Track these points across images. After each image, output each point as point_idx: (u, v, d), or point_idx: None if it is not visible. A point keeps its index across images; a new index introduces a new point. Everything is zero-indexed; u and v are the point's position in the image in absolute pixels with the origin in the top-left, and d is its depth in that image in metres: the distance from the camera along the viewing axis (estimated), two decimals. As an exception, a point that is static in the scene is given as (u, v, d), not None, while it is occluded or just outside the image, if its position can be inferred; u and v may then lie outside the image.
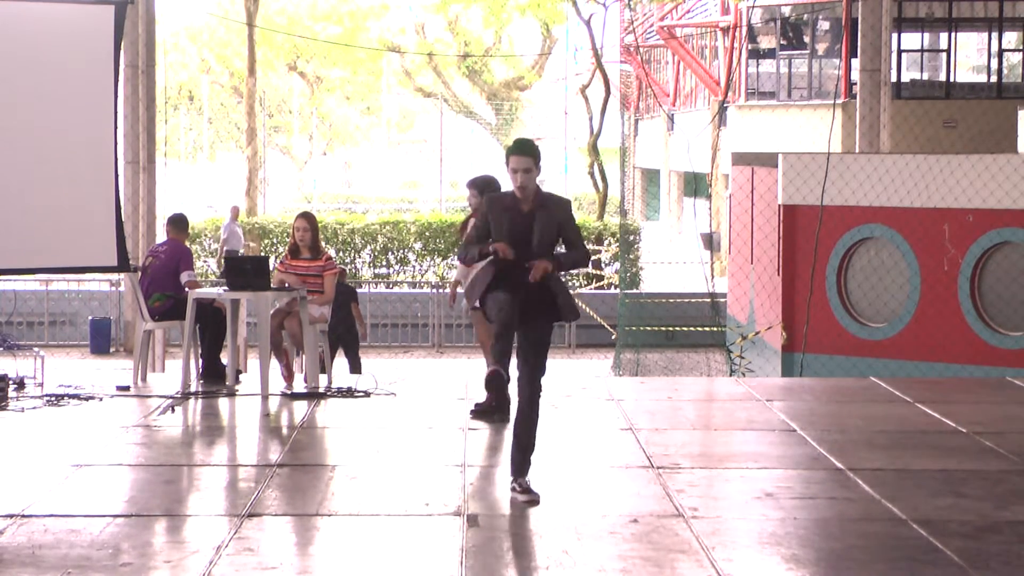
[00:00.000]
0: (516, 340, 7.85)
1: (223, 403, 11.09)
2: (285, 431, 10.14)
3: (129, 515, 7.47)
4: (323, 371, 12.01)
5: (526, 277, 7.72)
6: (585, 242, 8.16)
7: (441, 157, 44.35)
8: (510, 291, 7.74)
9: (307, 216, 12.38)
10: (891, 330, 16.23)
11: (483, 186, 10.44)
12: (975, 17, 30.29)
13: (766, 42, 33.75)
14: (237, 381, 11.61)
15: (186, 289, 12.04)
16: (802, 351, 16.38)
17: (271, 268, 12.04)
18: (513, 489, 7.83)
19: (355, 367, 16.95)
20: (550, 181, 58.94)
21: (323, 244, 14.27)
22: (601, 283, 29.21)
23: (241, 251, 29.03)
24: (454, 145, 55.27)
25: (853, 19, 26.08)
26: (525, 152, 7.79)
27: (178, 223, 12.71)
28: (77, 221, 11.87)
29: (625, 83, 44.80)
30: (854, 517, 7.56)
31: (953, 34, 29.38)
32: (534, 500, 7.72)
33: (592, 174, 35.42)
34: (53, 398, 11.08)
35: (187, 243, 12.85)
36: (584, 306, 23.14)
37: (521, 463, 7.88)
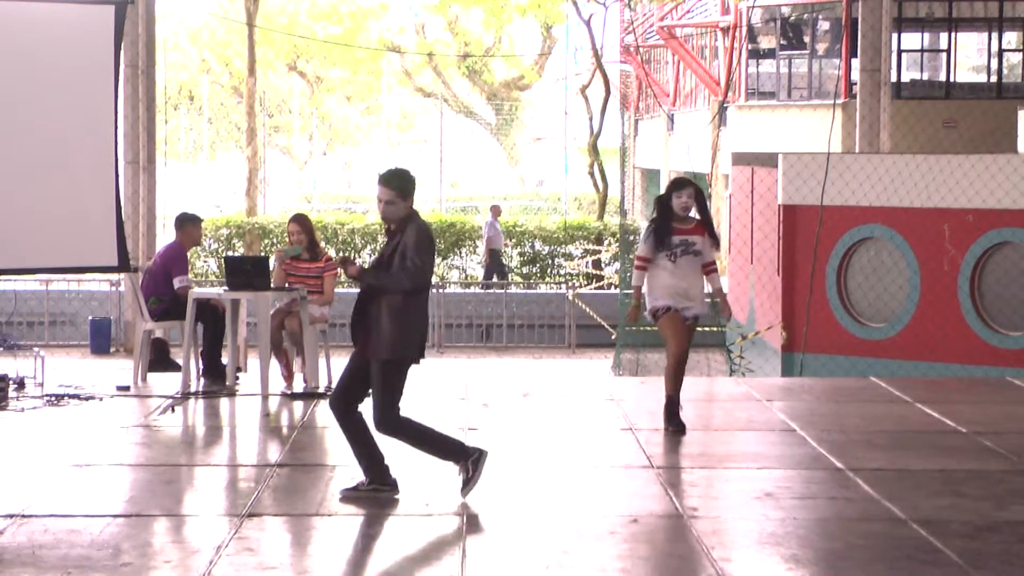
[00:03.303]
0: None
1: (223, 403, 11.09)
2: (285, 431, 10.14)
3: (129, 515, 7.47)
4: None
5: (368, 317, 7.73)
6: (411, 270, 7.71)
7: (441, 157, 44.32)
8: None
9: (299, 219, 12.30)
10: (891, 330, 16.22)
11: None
12: (975, 17, 30.27)
13: (766, 42, 33.71)
14: (237, 381, 11.61)
15: (181, 295, 11.99)
16: (802, 351, 16.37)
17: (271, 267, 12.04)
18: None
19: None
20: (550, 181, 59.02)
21: (323, 245, 14.27)
22: (601, 283, 29.20)
23: (503, 249, 29.30)
24: (454, 145, 55.24)
25: (853, 19, 26.06)
26: (388, 184, 7.74)
27: (177, 222, 12.65)
28: (77, 221, 11.87)
29: (625, 83, 44.77)
30: (854, 517, 7.56)
31: (953, 34, 29.36)
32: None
33: (592, 174, 35.41)
34: (53, 398, 11.08)
35: (195, 241, 12.69)
36: (584, 306, 23.15)
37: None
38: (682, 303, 9.79)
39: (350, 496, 7.83)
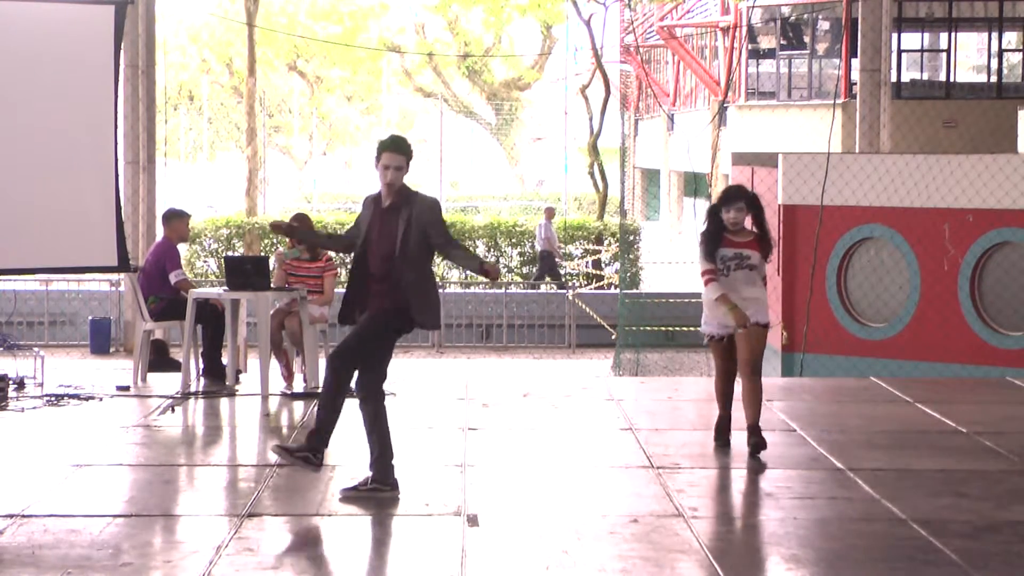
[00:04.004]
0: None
1: (223, 403, 11.09)
2: (285, 431, 10.14)
3: (129, 515, 7.47)
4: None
5: (377, 285, 7.81)
6: (458, 241, 8.08)
7: (441, 157, 44.36)
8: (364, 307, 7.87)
9: (300, 218, 12.31)
10: (891, 330, 16.22)
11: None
12: (975, 17, 30.29)
13: (766, 42, 33.75)
14: (237, 381, 11.61)
15: (179, 289, 11.98)
16: (802, 351, 16.37)
17: (271, 268, 12.04)
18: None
19: None
20: (550, 181, 58.99)
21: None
22: (601, 283, 29.20)
23: (556, 250, 29.17)
24: (454, 145, 55.26)
25: (853, 19, 26.08)
26: (399, 150, 7.83)
27: (164, 218, 12.61)
28: (77, 221, 11.87)
29: (625, 83, 44.80)
30: (854, 517, 7.56)
31: (953, 34, 29.37)
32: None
33: (592, 174, 35.40)
34: (53, 398, 11.08)
35: (182, 236, 12.63)
36: (584, 306, 23.15)
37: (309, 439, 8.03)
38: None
39: (350, 496, 7.84)
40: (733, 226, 9.01)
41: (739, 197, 9.05)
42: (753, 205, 9.06)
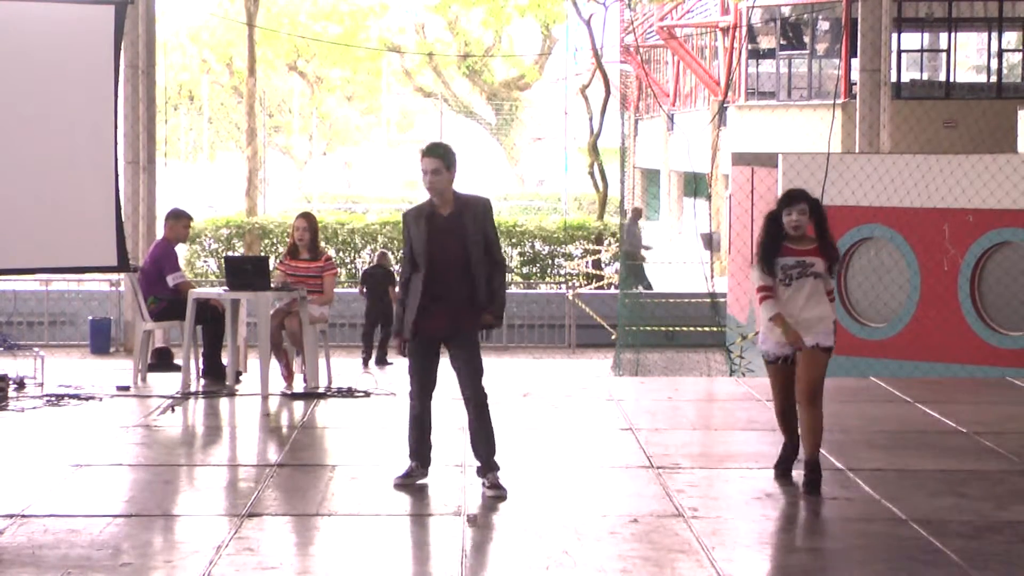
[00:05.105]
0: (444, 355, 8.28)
1: (223, 403, 11.09)
2: (285, 431, 10.14)
3: (129, 515, 7.47)
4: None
5: (455, 295, 7.96)
6: (502, 262, 8.25)
7: (441, 157, 44.27)
8: (434, 328, 8.04)
9: (307, 216, 12.37)
10: (891, 330, 16.22)
11: None
12: (975, 17, 30.28)
13: (766, 42, 33.73)
14: (237, 381, 11.61)
15: (179, 290, 11.98)
16: (802, 351, 16.36)
17: (271, 268, 12.04)
18: (483, 484, 8.02)
19: (381, 357, 17.32)
20: (550, 181, 58.98)
21: (323, 244, 14.29)
22: (601, 283, 29.20)
23: (643, 252, 28.71)
24: (454, 145, 55.11)
25: (853, 19, 26.06)
26: (432, 153, 7.96)
27: (166, 217, 12.61)
28: (77, 221, 11.87)
29: (625, 83, 44.78)
30: (854, 517, 7.56)
31: (953, 34, 29.37)
32: (502, 495, 7.89)
33: (592, 174, 35.40)
34: (53, 398, 11.08)
35: (180, 238, 12.59)
36: (584, 306, 23.14)
37: (487, 462, 8.11)
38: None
39: (402, 484, 8.07)
40: (795, 230, 8.24)
41: (801, 198, 8.29)
42: (816, 209, 8.30)
